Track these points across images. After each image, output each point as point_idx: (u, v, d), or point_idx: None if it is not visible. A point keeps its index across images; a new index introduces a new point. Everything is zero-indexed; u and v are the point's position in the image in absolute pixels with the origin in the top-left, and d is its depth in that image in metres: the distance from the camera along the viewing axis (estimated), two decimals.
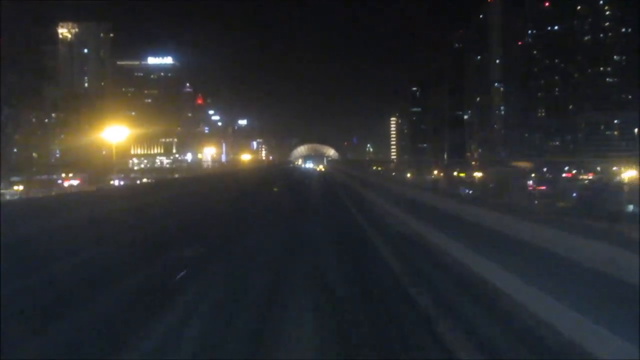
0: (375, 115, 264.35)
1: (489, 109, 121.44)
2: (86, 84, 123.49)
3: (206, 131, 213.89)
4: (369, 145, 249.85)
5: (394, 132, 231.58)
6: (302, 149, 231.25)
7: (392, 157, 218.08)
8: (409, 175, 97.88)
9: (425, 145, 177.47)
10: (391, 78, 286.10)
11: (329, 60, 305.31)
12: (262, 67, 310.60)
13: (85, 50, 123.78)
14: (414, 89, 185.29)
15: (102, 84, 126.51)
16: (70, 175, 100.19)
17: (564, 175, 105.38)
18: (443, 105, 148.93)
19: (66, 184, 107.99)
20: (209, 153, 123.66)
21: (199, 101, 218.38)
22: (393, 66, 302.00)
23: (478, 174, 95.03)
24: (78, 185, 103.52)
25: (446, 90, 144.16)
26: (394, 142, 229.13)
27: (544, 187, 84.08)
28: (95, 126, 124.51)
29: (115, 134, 52.51)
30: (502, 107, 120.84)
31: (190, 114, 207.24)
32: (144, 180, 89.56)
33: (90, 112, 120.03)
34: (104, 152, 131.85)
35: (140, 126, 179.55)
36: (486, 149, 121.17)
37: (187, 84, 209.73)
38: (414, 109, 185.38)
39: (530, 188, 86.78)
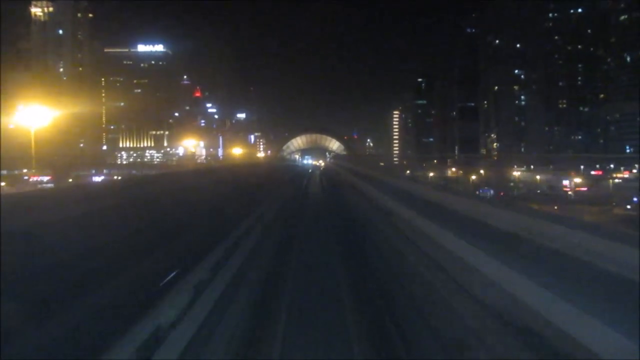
0: (376, 109, 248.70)
1: (508, 99, 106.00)
2: (61, 69, 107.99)
3: (202, 124, 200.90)
4: (369, 139, 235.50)
5: (397, 126, 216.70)
6: (299, 142, 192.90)
7: (395, 152, 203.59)
8: (431, 174, 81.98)
9: (431, 139, 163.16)
10: (394, 69, 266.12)
11: (329, 52, 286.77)
12: (260, 61, 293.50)
13: (60, 32, 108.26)
14: (420, 80, 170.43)
15: (80, 69, 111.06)
16: (33, 170, 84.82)
17: (592, 172, 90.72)
18: (452, 97, 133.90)
19: (33, 179, 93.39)
20: (190, 146, 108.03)
21: (197, 94, 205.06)
22: (396, 56, 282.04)
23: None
24: (48, 181, 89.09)
25: (457, 80, 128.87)
26: (396, 137, 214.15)
27: (585, 189, 69.04)
28: (70, 115, 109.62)
29: (33, 117, 36.93)
30: (522, 97, 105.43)
31: (188, 107, 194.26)
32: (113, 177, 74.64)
33: (64, 99, 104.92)
34: (81, 145, 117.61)
35: (130, 117, 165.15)
36: (504, 144, 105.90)
37: (185, 76, 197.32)
38: (419, 102, 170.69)
39: (567, 189, 71.85)
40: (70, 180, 68.15)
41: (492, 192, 72.77)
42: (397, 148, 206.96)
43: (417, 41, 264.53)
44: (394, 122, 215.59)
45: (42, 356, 7.47)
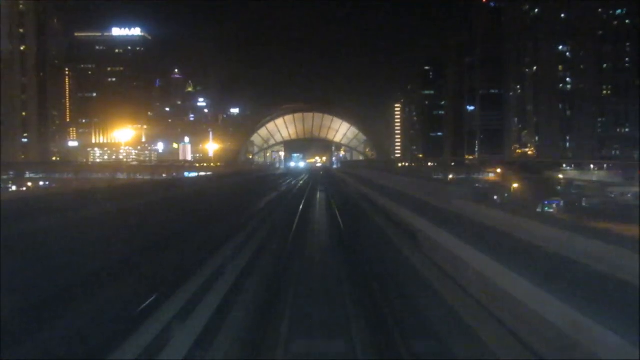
0: (374, 102, 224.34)
1: (551, 82, 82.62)
2: None
3: (192, 119, 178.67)
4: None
5: (399, 121, 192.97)
6: (283, 129, 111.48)
7: (397, 149, 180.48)
8: (515, 185, 56.68)
9: (440, 134, 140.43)
10: (395, 57, 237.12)
11: (318, 38, 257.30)
12: (251, 52, 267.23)
13: None
14: (426, 68, 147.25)
15: (22, 47, 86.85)
16: None
17: None
18: (470, 83, 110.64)
19: None
20: (124, 137, 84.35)
21: (189, 89, 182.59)
22: (397, 43, 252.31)
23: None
24: None
25: (477, 64, 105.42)
26: (398, 132, 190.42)
27: None
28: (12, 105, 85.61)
29: None
30: (568, 79, 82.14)
31: (179, 102, 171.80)
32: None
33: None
34: (25, 140, 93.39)
35: (102, 110, 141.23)
36: (547, 138, 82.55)
37: (176, 70, 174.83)
38: (427, 92, 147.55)
39: None
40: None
41: (561, 203, 49.74)
42: (399, 145, 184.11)
43: (424, 26, 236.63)
44: (396, 116, 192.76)
45: None
